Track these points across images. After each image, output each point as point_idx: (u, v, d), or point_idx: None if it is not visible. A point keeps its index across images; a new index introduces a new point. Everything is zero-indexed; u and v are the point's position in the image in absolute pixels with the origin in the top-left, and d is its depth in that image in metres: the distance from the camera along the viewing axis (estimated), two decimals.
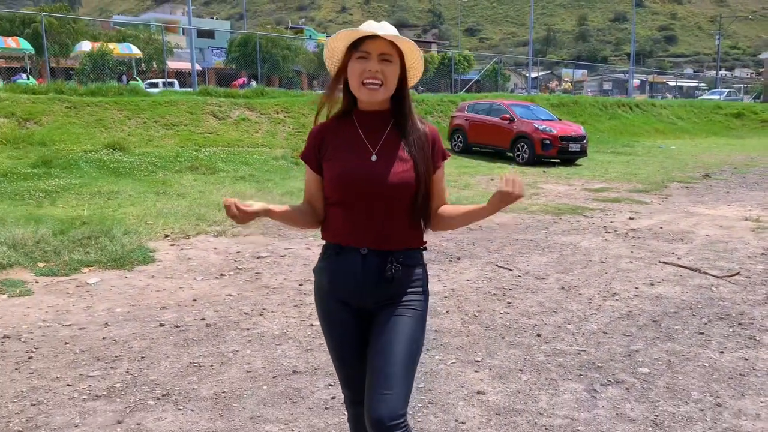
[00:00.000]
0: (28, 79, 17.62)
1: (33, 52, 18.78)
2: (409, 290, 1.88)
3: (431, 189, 1.89)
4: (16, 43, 19.58)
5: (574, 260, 5.97)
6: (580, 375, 3.37)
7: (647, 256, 6.16)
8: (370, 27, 1.80)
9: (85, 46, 19.89)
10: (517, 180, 1.74)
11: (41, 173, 9.54)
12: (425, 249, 1.95)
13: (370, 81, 1.78)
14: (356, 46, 1.80)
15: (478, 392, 3.15)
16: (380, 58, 1.79)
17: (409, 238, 1.88)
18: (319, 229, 1.97)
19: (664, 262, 5.89)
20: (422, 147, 1.86)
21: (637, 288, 5.05)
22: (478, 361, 3.53)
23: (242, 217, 1.78)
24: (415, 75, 1.91)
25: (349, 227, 1.84)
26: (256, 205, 1.79)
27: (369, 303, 1.87)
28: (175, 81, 20.31)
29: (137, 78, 20.27)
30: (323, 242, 1.95)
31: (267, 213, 1.83)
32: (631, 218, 8.21)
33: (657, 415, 2.92)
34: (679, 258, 6.06)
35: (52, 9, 35.60)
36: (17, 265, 5.19)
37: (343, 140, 1.87)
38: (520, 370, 3.42)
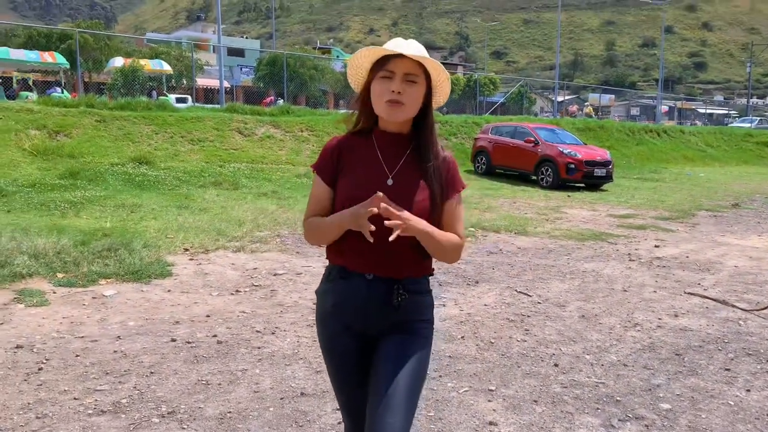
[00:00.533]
0: (62, 92, 18.06)
1: (68, 66, 19.30)
2: (415, 318, 1.81)
3: (441, 218, 1.81)
4: (53, 58, 20.17)
5: (595, 288, 5.83)
6: (597, 409, 3.25)
7: (672, 285, 6.00)
8: (397, 44, 1.74)
9: (118, 61, 20.41)
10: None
11: (68, 184, 9.70)
12: (432, 275, 1.88)
13: (393, 100, 1.72)
14: (381, 64, 1.74)
15: (490, 423, 3.05)
16: (405, 77, 1.72)
17: (416, 266, 1.81)
18: (323, 246, 1.89)
19: (690, 293, 5.72)
20: (440, 175, 1.80)
21: (660, 319, 4.90)
22: (491, 390, 3.43)
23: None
24: (441, 97, 1.83)
25: (357, 250, 1.76)
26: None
27: (373, 329, 1.81)
28: (188, 97, 20.64)
29: (167, 94, 20.64)
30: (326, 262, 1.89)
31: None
32: (656, 246, 8.02)
33: None
34: (705, 289, 5.89)
35: (89, 25, 36.60)
36: (37, 274, 5.24)
37: (359, 159, 1.80)
38: (535, 401, 3.31)
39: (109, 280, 5.34)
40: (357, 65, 1.81)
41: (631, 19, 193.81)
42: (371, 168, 1.78)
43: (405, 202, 1.72)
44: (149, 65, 21.98)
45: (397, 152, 1.79)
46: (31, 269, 5.30)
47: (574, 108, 33.12)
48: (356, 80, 1.85)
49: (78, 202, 8.60)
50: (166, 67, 23.32)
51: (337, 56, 49.45)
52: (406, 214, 1.67)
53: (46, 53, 20.72)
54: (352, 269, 1.78)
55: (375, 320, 1.79)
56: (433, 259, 1.87)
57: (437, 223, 1.78)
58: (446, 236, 1.78)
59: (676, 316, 5.00)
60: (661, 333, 4.55)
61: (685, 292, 5.75)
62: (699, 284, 6.09)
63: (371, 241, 1.66)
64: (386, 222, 1.63)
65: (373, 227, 1.66)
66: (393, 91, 1.71)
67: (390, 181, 1.76)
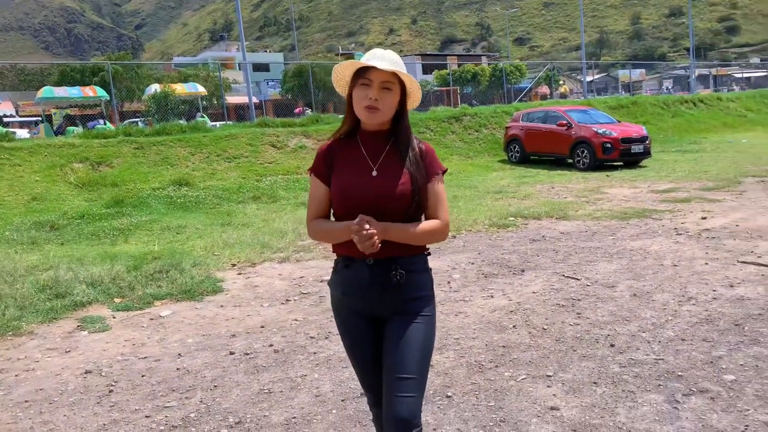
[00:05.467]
0: (106, 124, 18.64)
1: (108, 98, 19.98)
2: (417, 296, 2.02)
3: (424, 200, 2.01)
4: (93, 92, 20.90)
5: (644, 265, 5.74)
6: (659, 385, 3.22)
7: (724, 256, 5.86)
8: (374, 56, 1.97)
9: (155, 88, 20.99)
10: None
11: (114, 213, 10.03)
12: (428, 254, 2.08)
13: (370, 106, 1.95)
14: (361, 73, 1.97)
15: (552, 408, 3.05)
16: (381, 86, 1.95)
17: (408, 246, 2.00)
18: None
19: (744, 262, 5.58)
20: (417, 162, 2.01)
21: (715, 290, 4.80)
22: (549, 376, 3.43)
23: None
24: (414, 101, 2.07)
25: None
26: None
27: (380, 311, 2.02)
28: (204, 116, 21.16)
29: (204, 115, 21.10)
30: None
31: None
32: (703, 218, 7.84)
33: (747, 425, 2.75)
34: (759, 256, 5.74)
35: (117, 57, 37.65)
36: (96, 302, 5.44)
37: (347, 158, 2.04)
38: (595, 383, 3.30)
39: (163, 301, 5.50)
40: (340, 76, 2.06)
41: None
42: (358, 163, 2.02)
43: (389, 188, 1.96)
44: (184, 89, 22.50)
45: (379, 148, 2.03)
46: (90, 297, 5.51)
47: (545, 89, 32.14)
48: (340, 86, 2.11)
49: (125, 229, 8.88)
50: (201, 89, 23.84)
51: None
52: (381, 226, 1.89)
53: (87, 88, 21.46)
54: (354, 256, 1.99)
55: (380, 301, 2.00)
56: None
57: (422, 204, 2.00)
58: (421, 227, 1.99)
59: (731, 286, 4.89)
60: (718, 304, 4.46)
61: (738, 261, 5.62)
62: (752, 252, 5.94)
63: (364, 252, 1.90)
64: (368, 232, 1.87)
65: (366, 239, 1.88)
66: (370, 98, 1.95)
67: (374, 173, 1.99)
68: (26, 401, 3.54)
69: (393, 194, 1.96)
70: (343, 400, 3.30)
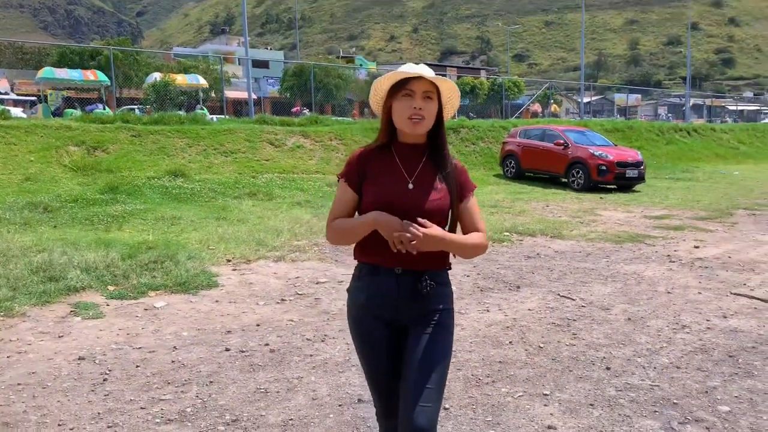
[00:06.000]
0: (105, 109, 18.50)
1: (109, 83, 19.86)
2: (439, 307, 2.03)
3: (461, 217, 2.04)
4: (94, 76, 20.77)
5: (639, 290, 5.79)
6: (655, 411, 3.25)
7: (717, 287, 5.93)
8: (411, 68, 1.99)
9: (157, 76, 20.88)
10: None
11: (108, 199, 9.94)
12: (449, 269, 2.10)
13: (415, 116, 1.95)
14: (402, 85, 1.97)
15: (549, 427, 3.07)
16: (423, 95, 1.96)
17: (438, 259, 2.03)
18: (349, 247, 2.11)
19: (736, 294, 5.65)
20: (453, 179, 2.03)
21: (708, 320, 4.86)
22: (546, 395, 3.45)
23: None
24: (451, 109, 2.07)
25: (384, 249, 1.97)
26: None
27: (404, 319, 2.03)
28: (204, 108, 21.08)
29: (204, 108, 21.02)
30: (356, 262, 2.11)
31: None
32: (696, 247, 7.93)
33: None
34: (752, 289, 5.81)
35: (117, 42, 37.40)
36: (89, 288, 5.39)
37: (382, 168, 2.03)
38: (591, 405, 3.32)
39: (158, 292, 5.47)
40: (378, 88, 2.05)
41: (654, 17, 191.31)
42: (393, 175, 2.01)
43: (424, 202, 1.97)
44: (186, 80, 22.39)
45: (415, 160, 2.03)
46: (84, 282, 5.46)
47: (536, 107, 32.39)
48: (376, 100, 2.09)
49: (120, 216, 8.81)
50: (202, 81, 23.70)
51: (361, 65, 49.72)
52: (440, 232, 1.91)
53: (89, 71, 21.33)
54: (381, 265, 2.00)
55: (404, 310, 2.01)
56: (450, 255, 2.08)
57: (457, 220, 2.03)
58: (470, 240, 2.01)
59: (725, 317, 4.95)
60: (712, 335, 4.51)
61: (731, 293, 5.68)
62: (744, 284, 6.01)
63: (395, 250, 1.92)
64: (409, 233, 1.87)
65: (401, 243, 1.90)
66: (415, 108, 1.94)
67: (410, 185, 1.99)
68: (19, 384, 3.50)
69: (429, 208, 1.96)
70: (340, 405, 3.30)
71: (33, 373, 3.66)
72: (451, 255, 2.08)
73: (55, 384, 3.51)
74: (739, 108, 48.19)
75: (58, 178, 10.95)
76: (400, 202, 1.96)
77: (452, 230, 2.02)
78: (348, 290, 2.14)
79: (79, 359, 3.89)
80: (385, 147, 2.06)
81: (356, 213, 2.06)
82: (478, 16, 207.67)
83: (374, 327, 2.06)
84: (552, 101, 33.20)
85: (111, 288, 5.47)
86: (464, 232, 2.04)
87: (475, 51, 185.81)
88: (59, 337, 4.29)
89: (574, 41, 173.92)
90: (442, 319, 2.03)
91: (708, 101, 48.38)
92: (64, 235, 7.44)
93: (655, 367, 3.86)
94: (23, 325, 4.50)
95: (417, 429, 1.89)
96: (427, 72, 1.98)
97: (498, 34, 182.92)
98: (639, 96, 53.11)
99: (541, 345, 4.26)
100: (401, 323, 2.04)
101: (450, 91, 2.02)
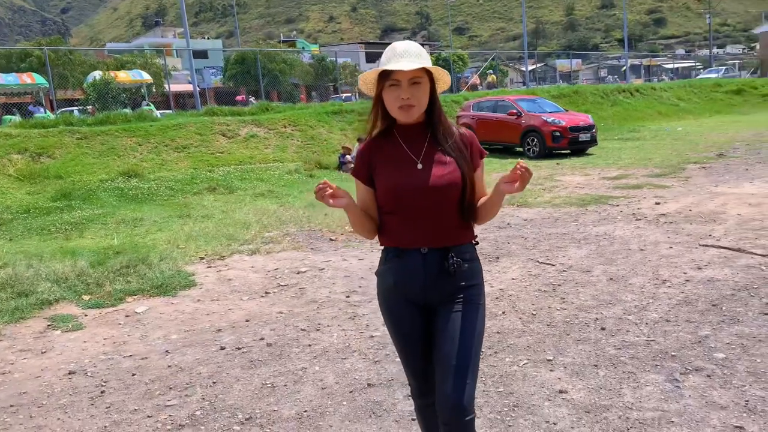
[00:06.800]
0: (46, 112, 17.69)
1: (47, 86, 19.00)
2: (469, 284, 2.02)
3: (475, 185, 2.04)
4: (31, 79, 19.86)
5: (613, 250, 5.94)
6: (657, 365, 3.35)
7: (685, 240, 6.13)
8: (394, 53, 1.94)
9: (97, 76, 20.04)
10: (526, 173, 1.88)
11: (62, 206, 9.57)
12: (477, 243, 2.11)
13: (404, 105, 1.95)
14: (387, 75, 1.94)
15: (560, 391, 3.13)
16: (410, 82, 1.94)
17: (461, 234, 2.03)
18: (373, 239, 2.13)
19: (705, 245, 5.86)
20: (460, 149, 2.02)
21: (685, 273, 5.02)
22: (550, 360, 3.51)
23: (334, 201, 1.95)
24: (443, 84, 2.05)
25: (407, 231, 1.99)
26: (346, 195, 1.98)
27: (433, 298, 2.02)
28: (151, 104, 20.44)
29: (150, 104, 20.33)
30: (381, 247, 2.11)
31: (350, 206, 2.01)
32: (657, 203, 8.17)
33: (747, 401, 2.90)
34: (718, 239, 6.03)
35: (49, 42, 35.76)
36: (63, 299, 5.19)
37: (388, 155, 2.03)
38: (595, 366, 3.40)
39: (135, 297, 5.31)
40: (365, 78, 2.05)
41: None
42: (401, 159, 2.00)
43: (436, 178, 1.96)
44: (129, 76, 21.59)
45: (418, 140, 2.02)
46: (57, 294, 5.25)
47: (475, 79, 32.85)
48: (367, 88, 2.09)
49: (78, 223, 8.50)
50: (146, 77, 22.92)
51: (303, 47, 48.98)
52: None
53: (24, 75, 20.35)
54: (406, 247, 2.00)
55: (434, 288, 2.00)
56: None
57: (470, 189, 2.01)
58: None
59: (699, 268, 5.13)
60: (692, 286, 4.67)
61: (700, 245, 5.89)
62: (710, 235, 6.23)
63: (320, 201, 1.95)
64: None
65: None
66: (402, 98, 1.94)
67: (419, 166, 1.98)
68: (11, 405, 3.35)
69: (441, 183, 1.96)
70: (351, 392, 3.28)
71: (24, 392, 3.51)
72: (474, 228, 2.09)
73: (50, 401, 3.37)
74: (675, 66, 49.74)
75: (4, 189, 10.46)
76: (412, 183, 1.96)
77: (469, 199, 2.01)
78: (376, 273, 2.14)
79: (69, 374, 3.75)
80: (388, 132, 2.06)
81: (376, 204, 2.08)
82: None
83: (405, 308, 2.06)
84: (491, 72, 33.46)
85: (86, 297, 5.27)
86: (477, 198, 2.05)
87: (415, 27, 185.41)
88: (42, 353, 4.12)
89: (512, 11, 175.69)
90: (472, 294, 2.03)
91: (645, 61, 49.75)
92: (23, 247, 7.12)
93: (646, 323, 3.98)
94: (0, 344, 4.29)
95: (455, 406, 1.89)
96: (409, 61, 1.91)
97: (437, 8, 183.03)
98: (579, 60, 54.13)
99: (534, 312, 4.33)
100: (431, 302, 2.03)
101: (437, 71, 2.00)
